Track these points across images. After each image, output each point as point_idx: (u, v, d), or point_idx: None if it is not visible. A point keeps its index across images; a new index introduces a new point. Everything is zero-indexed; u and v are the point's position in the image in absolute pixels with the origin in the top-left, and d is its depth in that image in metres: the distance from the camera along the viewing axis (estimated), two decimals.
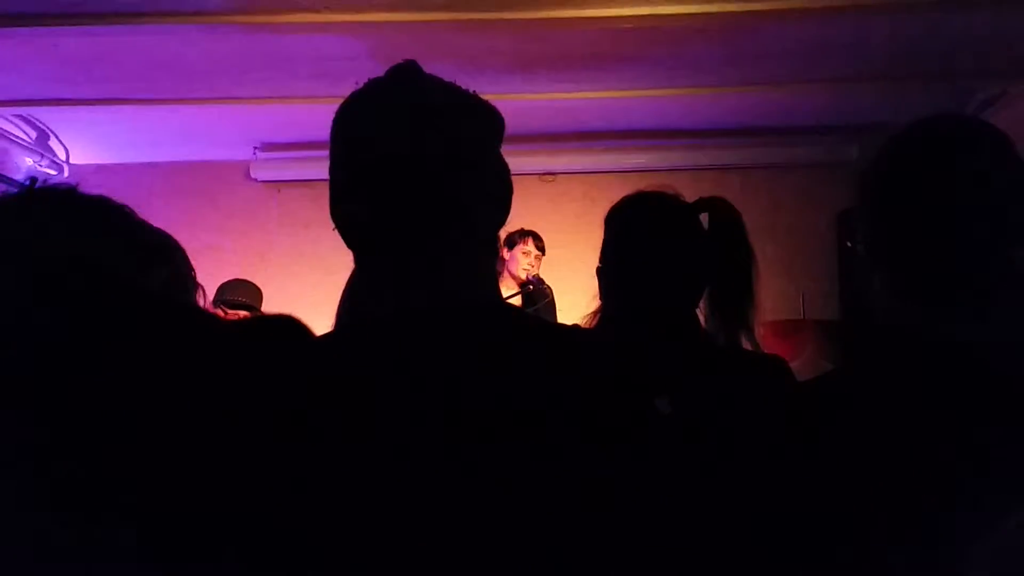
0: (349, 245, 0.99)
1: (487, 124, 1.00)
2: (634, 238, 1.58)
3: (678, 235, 1.56)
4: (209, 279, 1.55)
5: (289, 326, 0.96)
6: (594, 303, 1.66)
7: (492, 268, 0.99)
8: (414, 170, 0.93)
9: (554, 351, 0.89)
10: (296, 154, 5.44)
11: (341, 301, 1.36)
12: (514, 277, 4.41)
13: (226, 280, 4.15)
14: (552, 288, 4.48)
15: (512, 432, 0.81)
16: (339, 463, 0.79)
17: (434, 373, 0.85)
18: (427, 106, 0.96)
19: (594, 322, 1.62)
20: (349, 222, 0.97)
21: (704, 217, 1.61)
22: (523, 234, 4.43)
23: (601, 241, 1.63)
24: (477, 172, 0.97)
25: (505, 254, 4.41)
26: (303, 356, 0.88)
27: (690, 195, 1.64)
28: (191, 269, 1.33)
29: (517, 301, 4.14)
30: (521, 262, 4.41)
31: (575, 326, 1.24)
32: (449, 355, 0.86)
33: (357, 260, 0.98)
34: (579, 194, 5.62)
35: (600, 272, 1.65)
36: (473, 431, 0.81)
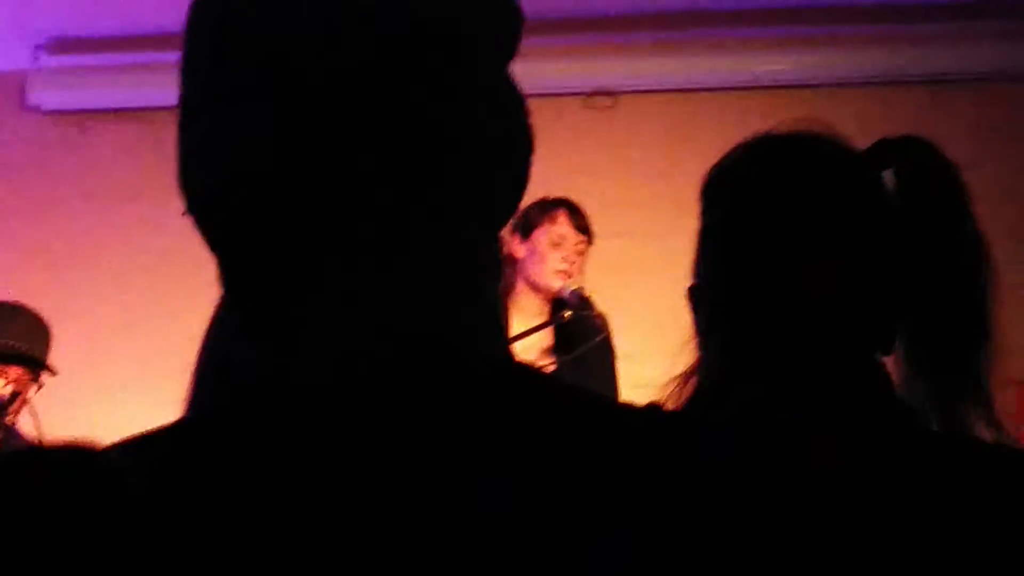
0: (210, 244, 0.81)
1: (489, 11, 0.80)
2: (764, 227, 1.27)
3: (844, 218, 1.26)
4: None
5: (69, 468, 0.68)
6: (685, 355, 1.34)
7: (490, 289, 0.79)
8: (340, 97, 0.75)
9: (621, 469, 0.70)
10: (114, 58, 4.59)
11: (199, 357, 0.98)
12: (536, 289, 3.37)
13: None
14: (606, 316, 3.42)
15: None
16: None
17: (354, 540, 0.66)
18: None
19: (684, 394, 1.32)
20: (212, 198, 0.80)
21: (889, 178, 1.29)
22: (550, 206, 3.44)
23: (698, 229, 1.31)
24: (464, 103, 0.79)
25: (516, 248, 3.40)
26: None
27: (861, 135, 1.30)
28: None
29: (540, 344, 3.23)
30: (549, 260, 3.36)
31: (653, 407, 0.88)
32: (391, 494, 0.68)
33: (224, 277, 0.79)
34: (659, 131, 4.57)
35: (696, 295, 1.33)
36: None
